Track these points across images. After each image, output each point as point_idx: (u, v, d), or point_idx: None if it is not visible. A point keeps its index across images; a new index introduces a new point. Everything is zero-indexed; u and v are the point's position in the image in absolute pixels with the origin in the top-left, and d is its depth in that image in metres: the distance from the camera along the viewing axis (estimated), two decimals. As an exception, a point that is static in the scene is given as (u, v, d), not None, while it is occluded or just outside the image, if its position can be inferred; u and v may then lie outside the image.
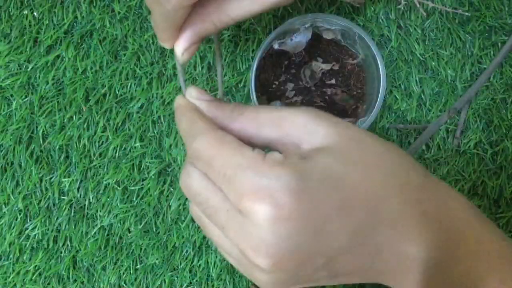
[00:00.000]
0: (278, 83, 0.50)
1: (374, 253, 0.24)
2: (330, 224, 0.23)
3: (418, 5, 0.49)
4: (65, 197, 0.54)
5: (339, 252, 0.23)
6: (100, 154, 0.54)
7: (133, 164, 0.54)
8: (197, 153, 0.25)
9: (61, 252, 0.54)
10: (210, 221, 0.26)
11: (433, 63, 0.53)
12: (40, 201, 0.54)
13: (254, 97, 0.46)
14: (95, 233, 0.54)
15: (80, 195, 0.54)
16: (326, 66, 0.49)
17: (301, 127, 0.25)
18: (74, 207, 0.54)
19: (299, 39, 0.48)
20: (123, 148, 0.54)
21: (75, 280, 0.54)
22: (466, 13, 0.52)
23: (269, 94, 0.50)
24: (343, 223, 0.23)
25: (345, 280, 0.24)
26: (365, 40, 0.46)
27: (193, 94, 0.28)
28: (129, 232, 0.54)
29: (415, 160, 0.27)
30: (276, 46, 0.48)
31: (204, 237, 0.54)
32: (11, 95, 0.54)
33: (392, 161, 0.25)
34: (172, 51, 0.40)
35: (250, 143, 0.26)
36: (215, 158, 0.24)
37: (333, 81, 0.50)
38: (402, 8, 0.52)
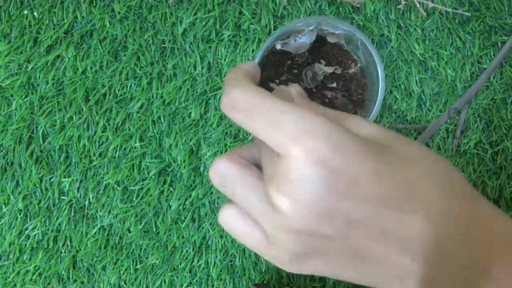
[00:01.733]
0: (279, 82, 0.50)
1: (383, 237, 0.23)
2: (360, 190, 0.22)
3: (418, 5, 0.49)
4: (65, 197, 0.54)
5: (359, 222, 0.22)
6: (100, 154, 0.54)
7: (133, 164, 0.54)
8: (234, 101, 0.25)
9: (61, 252, 0.54)
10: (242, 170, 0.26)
11: (433, 63, 0.53)
12: (40, 201, 0.54)
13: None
14: (95, 233, 0.54)
15: (80, 195, 0.54)
16: (328, 69, 0.49)
17: (355, 123, 0.26)
18: (74, 207, 0.54)
19: (303, 41, 0.48)
20: (123, 148, 0.54)
21: (75, 280, 0.54)
22: (466, 13, 0.52)
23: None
24: (373, 193, 0.22)
25: (346, 269, 0.24)
26: (367, 46, 0.46)
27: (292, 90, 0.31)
28: (129, 232, 0.54)
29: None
30: (278, 47, 0.48)
31: (204, 237, 0.54)
32: (11, 95, 0.53)
33: (441, 169, 0.25)
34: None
35: None
36: (257, 106, 0.24)
37: (334, 85, 0.50)
38: (402, 8, 0.52)
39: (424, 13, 0.50)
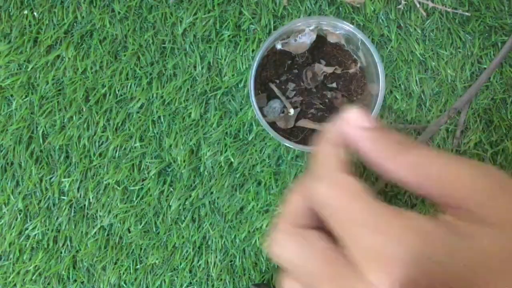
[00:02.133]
0: (279, 81, 0.50)
1: None
2: None
3: (418, 5, 0.49)
4: (65, 197, 0.54)
5: None
6: (100, 154, 0.54)
7: (133, 164, 0.54)
8: (316, 198, 0.20)
9: (61, 252, 0.54)
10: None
11: (433, 63, 0.53)
12: (40, 201, 0.54)
13: (253, 93, 0.46)
14: (95, 233, 0.54)
15: (80, 195, 0.54)
16: (328, 69, 0.49)
17: (479, 190, 0.19)
18: (74, 207, 0.54)
19: (303, 40, 0.48)
20: (123, 148, 0.54)
21: (75, 280, 0.54)
22: (466, 13, 0.52)
23: (269, 92, 0.50)
24: None
25: None
26: (368, 47, 0.46)
27: (353, 119, 0.22)
28: (129, 232, 0.54)
29: None
30: (278, 46, 0.48)
31: (204, 237, 0.54)
32: (11, 95, 0.53)
33: None
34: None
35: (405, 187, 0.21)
36: (340, 209, 0.19)
37: (334, 85, 0.50)
38: (402, 8, 0.52)
39: (424, 13, 0.50)
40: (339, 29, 0.47)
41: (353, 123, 0.21)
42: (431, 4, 0.49)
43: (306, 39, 0.48)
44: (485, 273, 0.18)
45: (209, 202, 0.54)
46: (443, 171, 0.20)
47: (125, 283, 0.54)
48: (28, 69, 0.53)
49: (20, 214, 0.54)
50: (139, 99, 0.53)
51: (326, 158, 0.21)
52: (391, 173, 0.21)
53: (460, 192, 0.19)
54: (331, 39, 0.49)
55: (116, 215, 0.54)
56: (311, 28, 0.47)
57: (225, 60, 0.53)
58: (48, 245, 0.54)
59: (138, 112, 0.54)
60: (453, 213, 0.20)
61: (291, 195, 0.22)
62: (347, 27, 0.46)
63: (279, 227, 0.21)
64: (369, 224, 0.18)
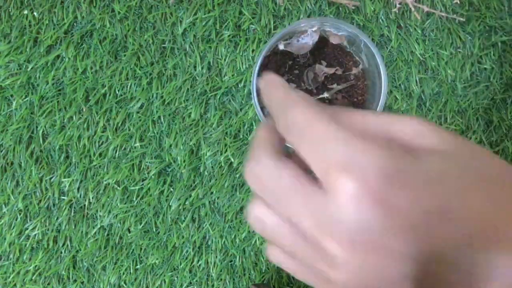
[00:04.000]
0: None
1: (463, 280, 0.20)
2: (421, 228, 0.19)
3: (413, 9, 0.49)
4: (65, 197, 0.54)
5: (422, 264, 0.19)
6: (100, 154, 0.54)
7: (133, 164, 0.54)
8: (289, 126, 0.22)
9: (61, 252, 0.54)
10: (280, 207, 0.22)
11: (433, 63, 0.53)
12: (40, 201, 0.54)
13: (255, 93, 0.46)
14: (95, 233, 0.54)
15: (80, 195, 0.54)
16: (329, 70, 0.49)
17: (413, 130, 0.21)
18: (74, 207, 0.54)
19: (306, 41, 0.48)
20: (123, 148, 0.54)
21: (75, 280, 0.54)
22: (461, 18, 0.52)
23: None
24: (437, 233, 0.19)
25: None
26: (370, 49, 0.46)
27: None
28: (129, 232, 0.54)
29: None
30: (281, 47, 0.48)
31: (204, 237, 0.54)
32: (11, 95, 0.53)
33: None
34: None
35: None
36: (308, 130, 0.21)
37: (334, 86, 0.50)
38: (397, 11, 0.52)
39: (419, 17, 0.50)
40: (341, 30, 0.47)
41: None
42: (426, 9, 0.49)
43: (309, 40, 0.48)
44: (443, 189, 0.19)
45: (209, 202, 0.54)
46: (382, 121, 0.22)
47: (125, 283, 0.54)
48: (28, 69, 0.53)
49: (20, 214, 0.54)
50: (139, 99, 0.53)
51: (286, 92, 0.24)
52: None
53: (403, 133, 0.22)
54: (334, 40, 0.49)
55: (116, 215, 0.54)
56: (313, 29, 0.47)
57: (225, 60, 0.53)
58: (48, 245, 0.54)
59: (138, 112, 0.54)
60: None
61: (261, 128, 0.24)
62: (350, 28, 0.46)
63: (253, 154, 0.23)
64: (332, 138, 0.20)
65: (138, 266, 0.54)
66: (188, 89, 0.53)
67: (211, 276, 0.54)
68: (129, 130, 0.54)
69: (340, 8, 0.53)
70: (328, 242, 0.19)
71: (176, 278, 0.54)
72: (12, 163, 0.54)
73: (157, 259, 0.53)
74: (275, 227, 0.22)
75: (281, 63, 0.50)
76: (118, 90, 0.54)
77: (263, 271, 0.54)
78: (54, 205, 0.54)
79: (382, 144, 0.20)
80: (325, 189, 0.20)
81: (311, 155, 0.21)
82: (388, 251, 0.19)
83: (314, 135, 0.21)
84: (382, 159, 0.19)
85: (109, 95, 0.53)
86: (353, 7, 0.51)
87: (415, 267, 0.19)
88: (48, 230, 0.54)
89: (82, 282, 0.54)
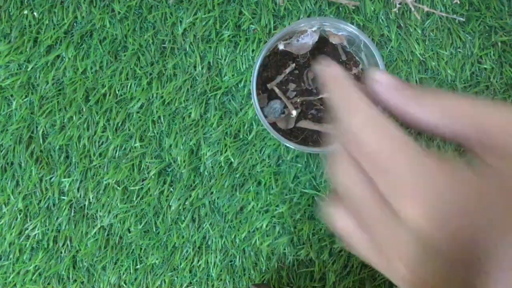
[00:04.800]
0: (280, 82, 0.50)
1: None
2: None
3: (413, 9, 0.49)
4: (65, 197, 0.54)
5: None
6: (100, 154, 0.54)
7: (133, 164, 0.54)
8: (350, 134, 0.20)
9: (61, 252, 0.54)
10: (359, 222, 0.21)
11: (433, 63, 0.53)
12: (40, 201, 0.54)
13: (255, 93, 0.46)
14: (95, 233, 0.54)
15: (80, 195, 0.54)
16: None
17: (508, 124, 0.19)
18: (74, 207, 0.54)
19: (306, 41, 0.48)
20: (123, 148, 0.54)
21: (75, 280, 0.54)
22: (461, 18, 0.52)
23: (270, 92, 0.50)
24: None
25: None
26: (370, 49, 0.46)
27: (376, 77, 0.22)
28: (129, 232, 0.54)
29: None
30: (281, 47, 0.48)
31: (204, 237, 0.54)
32: (11, 95, 0.53)
33: None
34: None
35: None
36: (371, 144, 0.19)
37: None
38: (397, 11, 0.52)
39: (419, 17, 0.50)
40: (341, 30, 0.47)
41: (380, 81, 0.22)
42: (426, 9, 0.49)
43: (309, 40, 0.48)
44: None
45: (209, 202, 0.54)
46: (476, 111, 0.19)
47: (125, 283, 0.54)
48: (28, 69, 0.53)
49: (20, 214, 0.54)
50: (139, 99, 0.53)
51: (349, 93, 0.22)
52: (422, 120, 0.21)
53: (497, 128, 0.19)
54: (333, 40, 0.49)
55: (116, 215, 0.54)
56: (313, 29, 0.47)
57: (225, 60, 0.53)
58: (48, 245, 0.54)
59: (138, 112, 0.54)
60: (486, 154, 0.19)
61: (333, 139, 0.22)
62: (350, 28, 0.46)
63: (337, 159, 0.21)
64: (412, 169, 0.18)
65: (138, 266, 0.54)
66: (188, 89, 0.53)
67: (211, 276, 0.54)
68: (129, 130, 0.54)
69: (340, 8, 0.53)
70: (399, 272, 0.18)
71: (176, 278, 0.54)
72: (12, 163, 0.54)
73: (157, 259, 0.54)
74: (358, 187, 0.20)
75: (281, 63, 0.50)
76: (118, 90, 0.54)
77: (263, 271, 0.54)
78: (54, 205, 0.54)
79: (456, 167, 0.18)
80: (397, 215, 0.18)
81: (377, 177, 0.19)
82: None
83: (376, 153, 0.19)
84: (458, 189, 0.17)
85: (109, 95, 0.53)
86: (353, 7, 0.51)
87: None
88: (48, 230, 0.54)
89: (82, 282, 0.54)
